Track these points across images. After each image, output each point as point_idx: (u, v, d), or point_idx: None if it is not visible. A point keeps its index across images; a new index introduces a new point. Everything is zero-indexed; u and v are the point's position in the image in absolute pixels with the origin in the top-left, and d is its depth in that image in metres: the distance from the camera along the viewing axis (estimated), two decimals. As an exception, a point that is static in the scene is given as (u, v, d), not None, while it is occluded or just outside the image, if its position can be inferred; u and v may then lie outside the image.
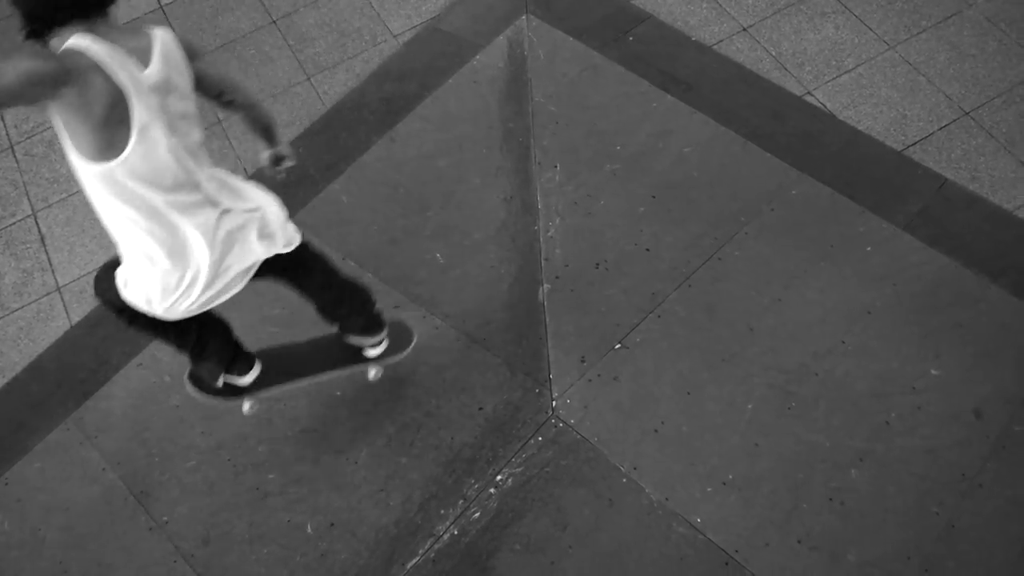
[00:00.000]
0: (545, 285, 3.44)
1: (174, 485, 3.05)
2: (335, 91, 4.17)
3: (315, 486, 3.03)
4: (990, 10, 4.16)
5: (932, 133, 3.76)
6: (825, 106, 3.89)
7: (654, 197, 3.63)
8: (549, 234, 3.56)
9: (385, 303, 3.39)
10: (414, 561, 2.87)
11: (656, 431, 3.07)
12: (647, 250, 3.48)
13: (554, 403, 3.15)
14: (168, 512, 3.01)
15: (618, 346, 3.26)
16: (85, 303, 3.52)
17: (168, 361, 3.28)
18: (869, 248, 3.43)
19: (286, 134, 4.00)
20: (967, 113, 3.82)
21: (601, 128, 3.87)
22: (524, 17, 4.29)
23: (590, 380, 3.19)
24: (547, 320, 3.36)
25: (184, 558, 2.91)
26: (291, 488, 3.04)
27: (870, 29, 4.15)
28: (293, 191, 3.76)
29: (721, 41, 4.14)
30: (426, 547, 2.89)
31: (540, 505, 2.95)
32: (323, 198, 3.74)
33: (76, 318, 3.49)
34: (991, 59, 3.99)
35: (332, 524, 2.95)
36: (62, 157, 4.01)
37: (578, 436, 3.07)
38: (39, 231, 3.77)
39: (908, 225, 3.47)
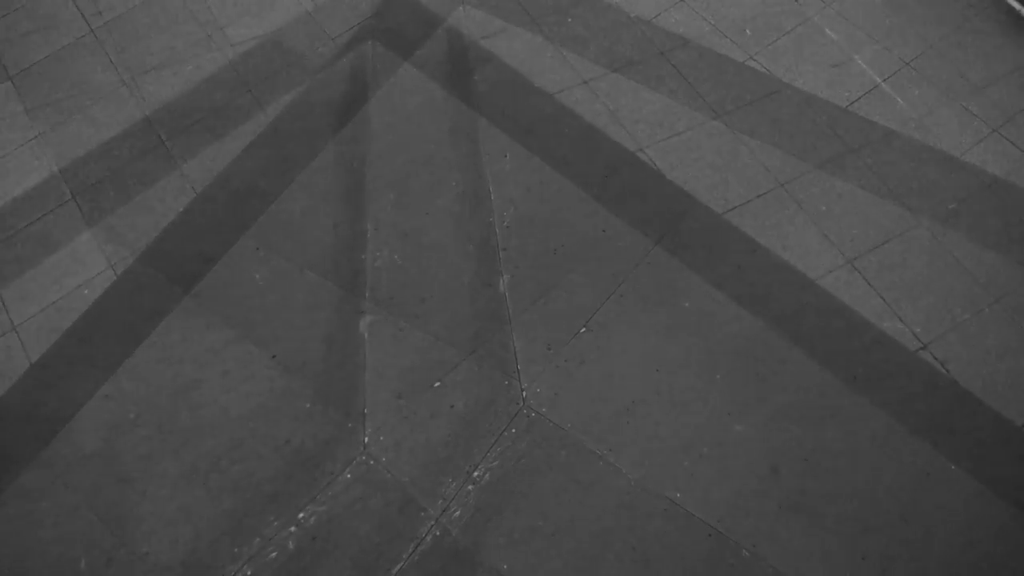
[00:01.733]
0: (505, 276, 3.42)
1: (151, 516, 3.02)
2: (279, 101, 4.12)
3: (293, 502, 3.01)
4: (806, 92, 4.19)
5: (750, 200, 3.80)
6: (655, 163, 3.90)
7: (607, 177, 3.62)
8: (505, 224, 3.55)
9: (347, 310, 3.37)
10: (399, 566, 2.86)
11: (628, 411, 3.07)
12: (603, 231, 3.48)
13: (524, 393, 3.15)
14: (147, 543, 2.98)
15: (583, 330, 3.26)
16: (43, 340, 3.46)
17: (133, 391, 3.24)
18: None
19: (232, 149, 3.94)
20: (782, 185, 3.86)
21: (548, 112, 3.84)
22: (461, 8, 4.25)
23: (558, 366, 3.19)
24: (510, 311, 3.34)
25: (168, 587, 2.90)
26: (269, 506, 3.01)
27: (701, 97, 4.18)
28: (245, 206, 3.71)
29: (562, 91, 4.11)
30: (409, 551, 2.88)
31: (520, 496, 2.95)
32: (275, 210, 3.69)
33: (35, 356, 3.43)
34: (807, 136, 4.03)
35: (314, 538, 2.94)
36: (4, 194, 3.93)
37: (551, 424, 3.07)
38: (-11, 271, 3.70)
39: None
